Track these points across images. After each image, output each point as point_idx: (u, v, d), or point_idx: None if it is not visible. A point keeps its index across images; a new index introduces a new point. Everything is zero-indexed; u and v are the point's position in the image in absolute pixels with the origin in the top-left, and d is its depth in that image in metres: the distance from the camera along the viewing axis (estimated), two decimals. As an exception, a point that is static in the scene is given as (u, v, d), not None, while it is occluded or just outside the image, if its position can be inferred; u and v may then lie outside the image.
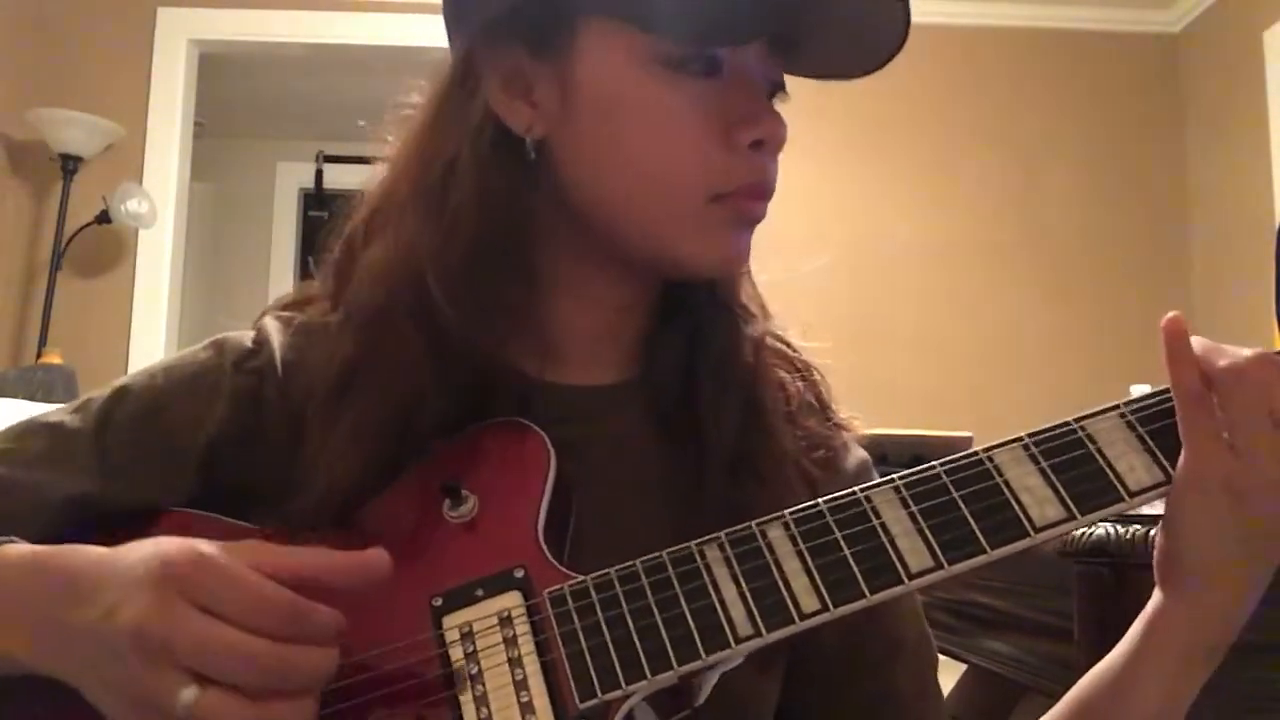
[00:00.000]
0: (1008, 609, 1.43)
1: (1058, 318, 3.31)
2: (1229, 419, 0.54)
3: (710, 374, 0.70)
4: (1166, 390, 0.56)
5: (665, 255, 0.66)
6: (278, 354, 0.68)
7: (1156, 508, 0.57)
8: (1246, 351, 0.55)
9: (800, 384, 0.74)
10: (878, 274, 3.21)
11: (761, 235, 0.69)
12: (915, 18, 0.61)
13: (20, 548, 0.57)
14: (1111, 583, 1.05)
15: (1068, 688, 0.63)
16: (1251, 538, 0.54)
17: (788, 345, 0.75)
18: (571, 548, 0.61)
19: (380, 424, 0.63)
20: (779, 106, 0.68)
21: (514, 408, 0.65)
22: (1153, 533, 1.09)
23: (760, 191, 0.65)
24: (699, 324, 0.71)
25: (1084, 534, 1.09)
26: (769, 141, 0.64)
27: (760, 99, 0.65)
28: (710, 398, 0.69)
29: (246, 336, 0.70)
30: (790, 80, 0.68)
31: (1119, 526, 1.07)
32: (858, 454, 0.76)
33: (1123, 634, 0.61)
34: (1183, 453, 0.54)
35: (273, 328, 0.70)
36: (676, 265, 0.67)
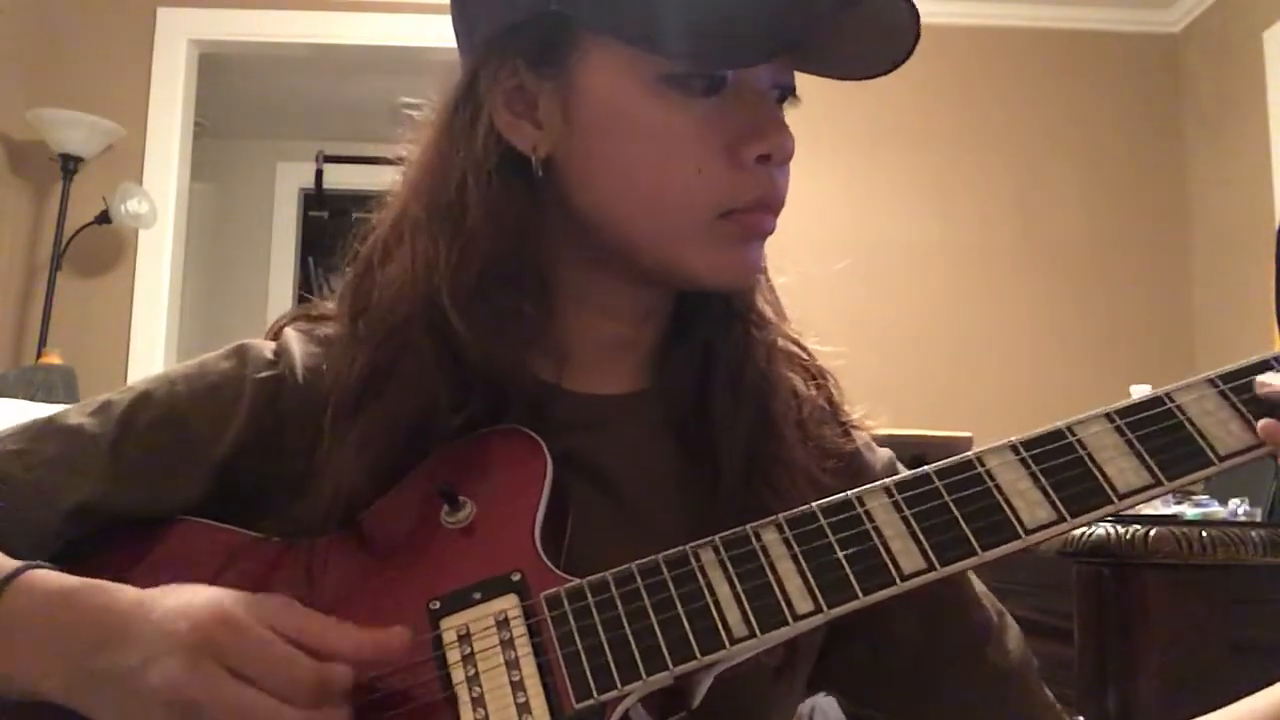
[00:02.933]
0: (1007, 609, 1.43)
1: (1058, 318, 3.31)
2: None
3: (723, 384, 0.70)
4: (1154, 397, 0.57)
5: (676, 270, 0.66)
6: (298, 364, 0.68)
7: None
8: None
9: (813, 389, 0.73)
10: (878, 274, 3.21)
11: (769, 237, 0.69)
12: (914, 18, 0.61)
13: (49, 578, 0.57)
14: (1111, 583, 1.05)
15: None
16: None
17: (801, 348, 0.75)
18: (584, 553, 0.61)
19: (391, 436, 0.63)
20: (790, 111, 0.67)
21: (528, 414, 0.65)
22: (1152, 533, 1.09)
23: (769, 206, 0.65)
24: (713, 333, 0.71)
25: (1084, 534, 1.08)
26: (776, 155, 0.63)
27: (767, 111, 0.64)
28: (723, 407, 0.69)
29: (267, 347, 0.70)
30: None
31: (1119, 527, 1.07)
32: (882, 454, 0.76)
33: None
34: None
35: (293, 338, 0.70)
36: (688, 280, 0.66)
